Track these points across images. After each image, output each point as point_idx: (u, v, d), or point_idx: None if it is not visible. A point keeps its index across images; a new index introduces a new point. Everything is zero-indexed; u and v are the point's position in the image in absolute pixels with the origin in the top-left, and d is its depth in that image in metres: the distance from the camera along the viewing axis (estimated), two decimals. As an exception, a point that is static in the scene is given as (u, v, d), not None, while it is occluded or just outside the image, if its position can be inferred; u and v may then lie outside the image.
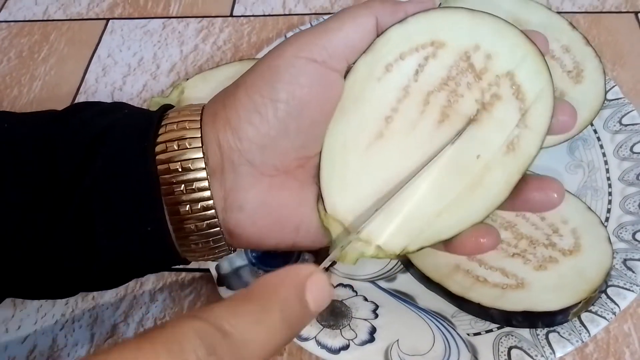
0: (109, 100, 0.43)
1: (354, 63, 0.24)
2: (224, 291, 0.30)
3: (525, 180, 0.24)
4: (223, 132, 0.24)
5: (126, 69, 0.48)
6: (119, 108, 0.26)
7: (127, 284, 0.35)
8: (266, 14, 0.51)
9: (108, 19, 0.52)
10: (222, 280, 0.30)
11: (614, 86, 0.37)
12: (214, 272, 0.31)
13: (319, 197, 0.25)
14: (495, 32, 0.23)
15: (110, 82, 0.47)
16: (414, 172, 0.24)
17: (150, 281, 0.35)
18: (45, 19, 0.53)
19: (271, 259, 0.33)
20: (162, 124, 0.24)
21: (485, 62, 0.24)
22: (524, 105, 0.23)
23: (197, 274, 0.35)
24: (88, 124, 0.24)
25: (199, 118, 0.24)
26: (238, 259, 0.32)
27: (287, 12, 0.51)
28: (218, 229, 0.24)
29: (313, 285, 0.18)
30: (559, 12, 0.47)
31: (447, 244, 0.24)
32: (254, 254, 0.32)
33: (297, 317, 0.18)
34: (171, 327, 0.15)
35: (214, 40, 0.49)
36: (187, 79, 0.41)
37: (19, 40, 0.51)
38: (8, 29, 0.52)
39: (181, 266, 0.35)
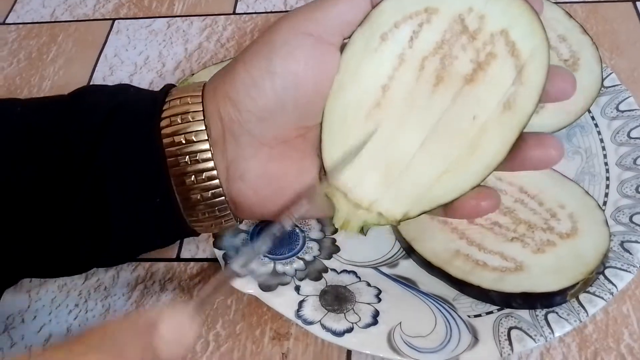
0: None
1: (349, 37, 0.25)
2: (231, 278, 0.31)
3: (523, 138, 0.23)
4: (223, 105, 0.24)
5: (132, 67, 0.49)
6: (125, 89, 0.28)
7: (137, 274, 0.36)
8: (268, 10, 0.52)
9: (114, 20, 0.53)
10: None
11: (610, 73, 0.38)
12: (221, 261, 0.32)
13: (321, 168, 0.25)
14: None
15: (117, 81, 0.48)
16: (412, 138, 0.24)
17: (160, 271, 0.36)
18: (52, 20, 0.54)
19: (277, 247, 0.34)
20: (166, 100, 0.25)
21: (479, 22, 0.24)
22: (519, 62, 0.23)
23: (205, 264, 0.36)
24: (97, 106, 0.26)
25: (200, 94, 0.25)
26: (245, 248, 0.33)
27: (288, 8, 0.52)
28: (222, 198, 0.25)
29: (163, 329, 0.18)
30: (556, 2, 0.47)
31: (446, 208, 0.25)
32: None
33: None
34: None
35: (218, 38, 0.50)
36: (193, 74, 0.42)
37: (28, 42, 0.52)
38: (17, 31, 0.53)
39: (189, 256, 0.37)
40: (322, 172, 0.25)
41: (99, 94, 0.27)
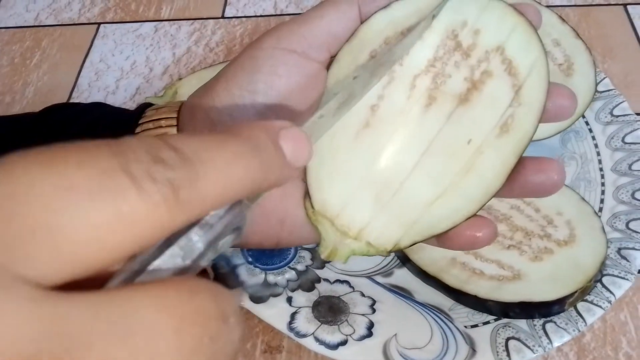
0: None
1: (336, 54, 0.23)
2: (221, 290, 0.30)
3: (522, 163, 0.22)
4: (202, 128, 0.23)
5: (119, 73, 0.48)
6: (97, 107, 0.26)
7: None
8: (257, 14, 0.51)
9: (99, 24, 0.52)
10: (220, 278, 0.30)
11: (604, 78, 0.38)
12: (210, 272, 0.31)
13: (306, 194, 0.24)
14: (481, 7, 0.22)
15: (103, 86, 0.47)
16: (403, 161, 0.23)
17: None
18: (36, 24, 0.53)
19: (268, 258, 0.33)
20: (139, 122, 0.24)
21: (473, 38, 0.22)
22: (517, 81, 0.22)
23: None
24: (67, 124, 0.24)
25: (175, 115, 0.24)
26: (235, 258, 0.32)
27: (278, 13, 0.51)
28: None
29: (288, 134, 0.16)
30: (549, 6, 0.47)
31: (440, 238, 0.23)
32: (250, 253, 0.32)
33: (272, 159, 0.15)
34: (117, 140, 0.13)
35: (207, 42, 0.49)
36: (181, 79, 0.41)
37: (11, 47, 0.51)
38: (0, 36, 0.52)
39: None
40: (307, 197, 0.24)
41: (70, 111, 0.25)
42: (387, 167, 0.23)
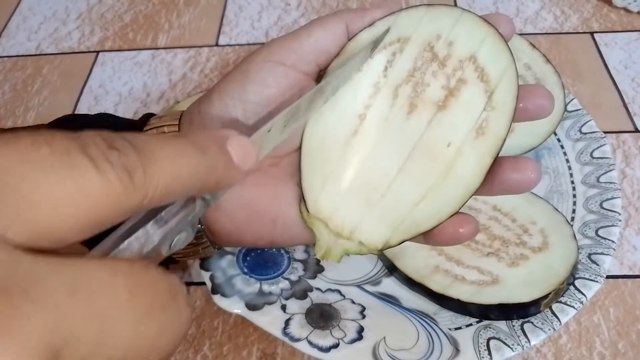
0: (102, 127, 0.45)
1: (326, 68, 0.26)
2: (218, 299, 0.32)
3: (499, 162, 0.23)
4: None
5: (117, 98, 0.50)
6: (104, 118, 0.28)
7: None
8: (250, 42, 0.54)
9: (98, 52, 0.55)
10: (216, 288, 0.32)
11: (573, 99, 0.41)
12: (208, 282, 0.33)
13: (301, 199, 0.26)
14: (454, 20, 0.25)
15: (101, 110, 0.49)
16: (389, 165, 0.25)
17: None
18: (37, 53, 0.55)
19: (263, 268, 0.35)
20: (144, 129, 0.26)
21: (448, 49, 0.24)
22: (489, 87, 0.23)
23: (192, 287, 0.37)
24: None
25: (177, 123, 0.26)
26: (231, 269, 0.34)
27: (269, 40, 0.54)
28: (199, 226, 0.26)
29: (234, 140, 0.18)
30: (521, 34, 0.50)
31: (426, 236, 0.25)
32: (246, 264, 0.34)
33: (217, 159, 0.17)
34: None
35: (201, 68, 0.52)
36: (179, 102, 0.44)
37: (13, 75, 0.53)
38: (2, 64, 0.54)
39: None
40: (302, 201, 0.26)
41: (77, 122, 0.27)
42: (375, 171, 0.25)
